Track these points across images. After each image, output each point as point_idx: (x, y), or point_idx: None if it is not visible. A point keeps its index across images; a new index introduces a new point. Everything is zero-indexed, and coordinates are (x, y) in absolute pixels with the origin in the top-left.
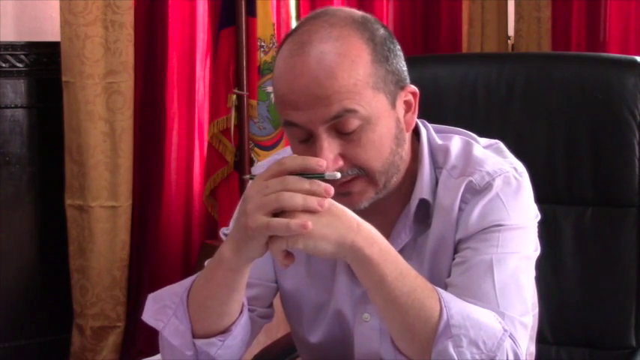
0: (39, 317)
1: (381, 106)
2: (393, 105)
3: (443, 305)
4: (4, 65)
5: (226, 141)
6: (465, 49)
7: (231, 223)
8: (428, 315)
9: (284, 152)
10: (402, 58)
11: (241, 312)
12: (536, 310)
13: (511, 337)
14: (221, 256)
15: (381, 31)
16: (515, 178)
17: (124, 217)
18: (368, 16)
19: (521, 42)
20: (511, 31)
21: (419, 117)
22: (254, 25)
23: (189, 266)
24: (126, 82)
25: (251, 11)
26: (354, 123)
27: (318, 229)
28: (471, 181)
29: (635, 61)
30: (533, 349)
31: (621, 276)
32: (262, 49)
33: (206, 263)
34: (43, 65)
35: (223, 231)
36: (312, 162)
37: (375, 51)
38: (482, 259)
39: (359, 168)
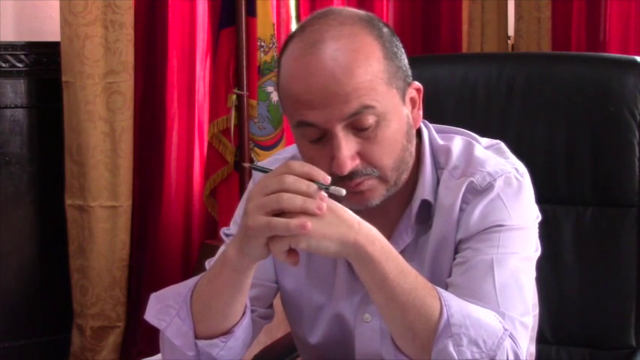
0: (39, 317)
1: (394, 101)
2: (403, 101)
3: (443, 304)
4: (4, 65)
5: (226, 141)
6: (465, 49)
7: (232, 223)
8: (428, 314)
9: (285, 152)
10: (405, 55)
11: (244, 313)
12: (537, 311)
13: (511, 337)
14: (226, 257)
15: (385, 28)
16: (517, 179)
17: (124, 217)
18: (372, 14)
19: (521, 42)
20: (511, 31)
21: None
22: (254, 25)
23: (189, 266)
24: (126, 82)
25: (251, 11)
26: (370, 119)
27: (320, 228)
28: (472, 182)
29: (635, 61)
30: (533, 349)
31: (621, 276)
32: (262, 49)
33: (206, 263)
34: (43, 65)
35: (224, 231)
36: (318, 174)
37: (385, 47)
38: (482, 259)
39: (373, 166)
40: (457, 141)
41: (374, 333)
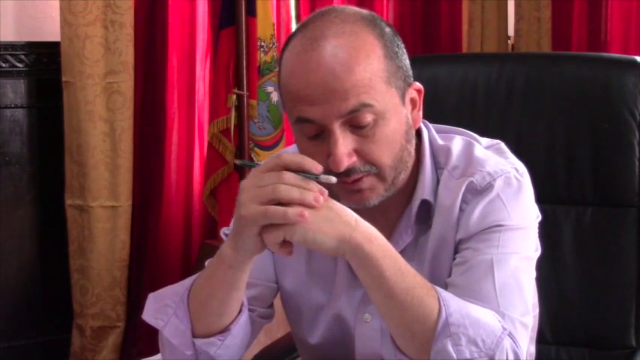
0: (39, 317)
1: (393, 101)
2: (403, 101)
3: (442, 303)
4: (4, 65)
5: (226, 141)
6: (465, 49)
7: (232, 223)
8: (427, 313)
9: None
10: (407, 55)
11: (240, 311)
12: (537, 311)
13: (511, 336)
14: (221, 255)
15: (388, 28)
16: (516, 179)
17: (124, 217)
18: (374, 14)
19: (521, 42)
20: (511, 31)
21: None
22: (254, 25)
23: (189, 266)
24: (126, 82)
25: (251, 11)
26: (368, 117)
27: (317, 222)
28: (471, 182)
29: (635, 61)
30: (533, 349)
31: (621, 276)
32: (262, 49)
33: (206, 263)
34: (43, 65)
35: (224, 231)
36: (309, 163)
37: (386, 46)
38: (482, 259)
39: (370, 164)
40: (457, 141)
41: (374, 333)
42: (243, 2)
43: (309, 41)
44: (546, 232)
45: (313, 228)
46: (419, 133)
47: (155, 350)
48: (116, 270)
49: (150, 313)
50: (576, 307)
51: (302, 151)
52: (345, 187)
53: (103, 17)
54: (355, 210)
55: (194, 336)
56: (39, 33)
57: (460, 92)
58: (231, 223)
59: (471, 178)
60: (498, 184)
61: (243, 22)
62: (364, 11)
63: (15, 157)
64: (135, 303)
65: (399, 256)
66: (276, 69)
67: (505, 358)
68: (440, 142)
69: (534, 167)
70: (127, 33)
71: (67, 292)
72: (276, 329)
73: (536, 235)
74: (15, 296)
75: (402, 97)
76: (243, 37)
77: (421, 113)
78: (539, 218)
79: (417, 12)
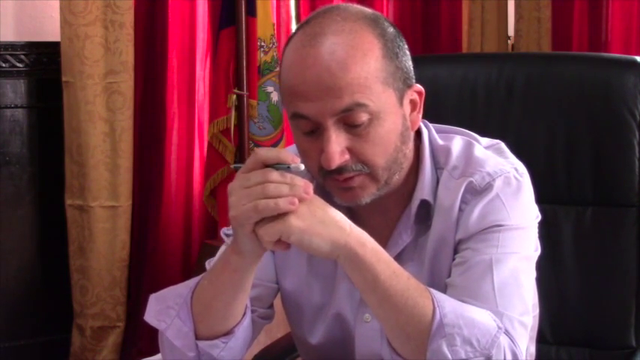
0: (39, 317)
1: (390, 101)
2: (401, 102)
3: (436, 305)
4: (4, 65)
5: (226, 141)
6: (465, 49)
7: None
8: (421, 314)
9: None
10: (409, 57)
11: (244, 314)
12: (537, 311)
13: (509, 336)
14: (226, 258)
15: (391, 28)
16: (516, 179)
17: (124, 217)
18: (378, 13)
19: (521, 42)
20: (511, 31)
21: None
22: (254, 25)
23: (189, 266)
24: (126, 82)
25: (251, 11)
26: (363, 117)
27: (313, 225)
28: (471, 182)
29: (635, 61)
30: (533, 349)
31: (621, 276)
32: (262, 49)
33: (206, 263)
34: (43, 65)
35: (224, 231)
36: (285, 155)
37: (385, 46)
38: (481, 259)
39: (363, 163)
40: (457, 141)
41: (374, 333)
42: (243, 2)
43: (309, 37)
44: (546, 232)
45: (309, 231)
46: (419, 133)
47: (155, 350)
48: (116, 270)
49: (152, 315)
50: (576, 307)
51: (298, 146)
52: (336, 185)
53: (103, 17)
54: (354, 209)
55: (197, 338)
56: (39, 33)
57: (460, 92)
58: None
59: (471, 179)
60: (498, 184)
61: (243, 22)
62: (368, 10)
63: (15, 157)
64: (135, 303)
65: (391, 259)
66: (277, 69)
67: (502, 357)
68: (440, 142)
69: (534, 167)
70: (127, 33)
71: (67, 292)
72: (276, 329)
73: (536, 235)
74: (15, 296)
75: (401, 98)
76: (243, 37)
77: (420, 115)
78: (539, 218)
79: (417, 12)
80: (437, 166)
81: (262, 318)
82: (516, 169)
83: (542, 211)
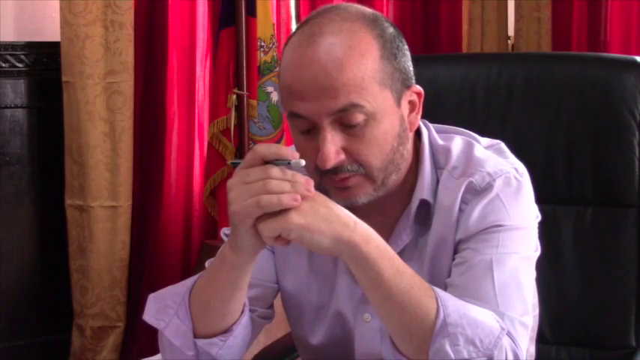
0: (39, 317)
1: (387, 102)
2: (399, 103)
3: (440, 304)
4: (4, 65)
5: (226, 141)
6: (465, 49)
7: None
8: (425, 313)
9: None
10: (409, 58)
11: (242, 312)
12: (537, 312)
13: (510, 336)
14: (223, 255)
15: (391, 29)
16: (516, 179)
17: (124, 217)
18: (378, 14)
19: (521, 42)
20: (511, 31)
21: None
22: (254, 25)
23: (189, 266)
24: (126, 82)
25: (251, 11)
26: (359, 117)
27: (316, 222)
28: (471, 182)
29: (635, 61)
30: (533, 350)
31: (621, 276)
32: (262, 49)
33: (206, 264)
34: (43, 65)
35: (224, 231)
36: (285, 151)
37: (384, 47)
38: (482, 260)
39: (359, 164)
40: (457, 141)
41: (374, 333)
42: (243, 2)
43: (307, 37)
44: (546, 232)
45: (311, 227)
46: (418, 133)
47: (155, 350)
48: (116, 270)
49: (151, 314)
50: (576, 307)
51: (295, 144)
52: (332, 184)
53: (103, 17)
54: (353, 208)
55: (195, 336)
56: (39, 33)
57: (460, 92)
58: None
59: (471, 179)
60: (498, 184)
61: (243, 22)
62: (368, 10)
63: (15, 157)
64: (135, 303)
65: (396, 256)
66: (276, 69)
67: (504, 357)
68: (440, 142)
69: (534, 167)
70: (127, 33)
71: (67, 292)
72: (276, 329)
73: (536, 235)
74: (15, 296)
75: (398, 99)
76: (243, 37)
77: (419, 116)
78: (539, 218)
79: (417, 12)
80: (437, 166)
81: (262, 318)
82: (516, 170)
83: (542, 211)
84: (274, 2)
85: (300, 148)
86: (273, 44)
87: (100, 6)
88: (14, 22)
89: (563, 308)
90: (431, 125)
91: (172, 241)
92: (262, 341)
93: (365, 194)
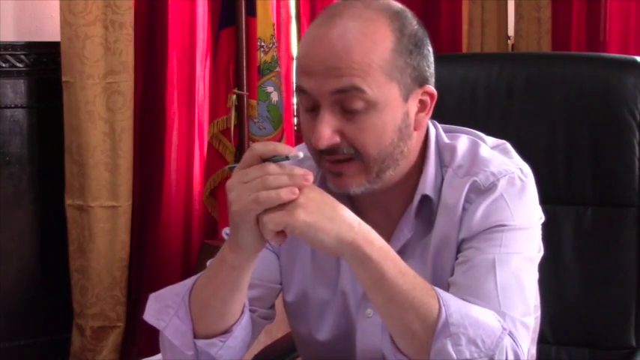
0: (39, 317)
1: (392, 95)
2: (406, 98)
3: (441, 304)
4: (4, 65)
5: (226, 141)
6: (465, 49)
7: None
8: (427, 313)
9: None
10: (431, 59)
11: (242, 312)
12: (539, 313)
13: (512, 336)
14: (223, 255)
15: (415, 27)
16: (520, 179)
17: (124, 217)
18: (407, 10)
19: (521, 42)
20: (511, 31)
21: None
22: (254, 25)
23: (189, 266)
24: (126, 82)
25: (251, 11)
26: (359, 103)
27: (321, 221)
28: (475, 181)
29: (635, 61)
30: (534, 351)
31: (621, 276)
32: (262, 49)
33: (207, 264)
34: (43, 65)
35: (225, 231)
36: (282, 147)
37: (399, 41)
38: (484, 259)
39: (355, 149)
40: (463, 140)
41: (375, 328)
42: (243, 2)
43: (327, 17)
44: (546, 232)
45: (316, 226)
46: (426, 132)
47: (155, 350)
48: (116, 270)
49: (151, 314)
50: (576, 307)
51: (302, 123)
52: (328, 168)
53: (103, 17)
54: (356, 203)
55: (195, 337)
56: (39, 33)
57: (460, 92)
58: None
59: (475, 178)
60: (502, 184)
61: (243, 22)
62: (396, 4)
63: (15, 157)
64: (135, 303)
65: (399, 258)
66: (276, 69)
67: (505, 358)
68: (446, 140)
69: (534, 167)
70: (127, 33)
71: (67, 292)
72: (276, 329)
73: (539, 236)
74: (15, 296)
75: (406, 94)
76: (243, 37)
77: (428, 117)
78: (543, 219)
79: (416, 12)
80: (442, 165)
81: (263, 318)
82: (521, 170)
83: (542, 211)
84: (274, 2)
85: (304, 128)
86: (273, 44)
87: (100, 6)
88: (14, 22)
89: (563, 308)
90: (439, 125)
91: (172, 241)
92: (262, 341)
93: (358, 184)
